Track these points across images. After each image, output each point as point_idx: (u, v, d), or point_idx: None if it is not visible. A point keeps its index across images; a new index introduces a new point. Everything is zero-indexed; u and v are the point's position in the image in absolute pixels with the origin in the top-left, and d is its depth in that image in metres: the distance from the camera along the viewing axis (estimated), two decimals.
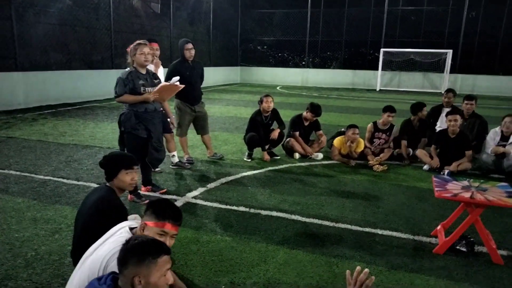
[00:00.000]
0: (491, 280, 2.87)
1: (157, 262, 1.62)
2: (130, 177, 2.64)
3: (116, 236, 2.05)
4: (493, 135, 5.67)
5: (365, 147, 6.09)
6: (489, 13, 19.74)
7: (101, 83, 13.02)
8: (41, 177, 4.88)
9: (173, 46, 16.89)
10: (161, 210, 2.10)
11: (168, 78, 5.00)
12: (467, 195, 3.13)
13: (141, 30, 15.66)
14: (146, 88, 4.02)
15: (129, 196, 4.16)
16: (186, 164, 5.53)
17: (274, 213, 3.96)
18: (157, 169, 5.19)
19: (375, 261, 3.07)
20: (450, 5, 20.19)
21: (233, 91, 17.80)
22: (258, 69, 23.60)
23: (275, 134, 6.01)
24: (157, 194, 4.37)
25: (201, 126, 5.80)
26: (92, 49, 13.52)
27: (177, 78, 4.40)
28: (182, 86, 4.42)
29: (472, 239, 3.28)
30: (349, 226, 3.71)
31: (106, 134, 7.55)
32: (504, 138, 5.55)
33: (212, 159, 5.95)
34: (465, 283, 2.82)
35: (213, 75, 19.38)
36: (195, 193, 4.50)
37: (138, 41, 4.02)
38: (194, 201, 4.27)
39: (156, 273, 1.62)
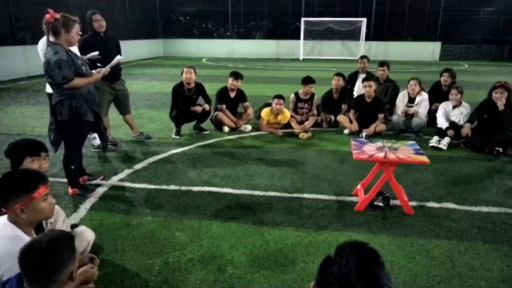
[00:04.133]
0: (404, 229, 3.21)
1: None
2: (37, 164, 2.42)
3: None
4: (401, 98, 6.19)
5: (291, 116, 6.29)
6: None
7: (3, 61, 11.59)
8: None
9: (84, 17, 15.47)
10: (23, 183, 1.91)
11: (81, 53, 4.57)
12: (381, 155, 3.41)
13: (48, 0, 14.04)
14: (85, 68, 3.63)
15: (70, 190, 3.79)
16: (110, 146, 5.24)
17: (206, 188, 3.96)
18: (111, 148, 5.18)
19: (303, 224, 3.25)
20: None
21: (156, 65, 17.03)
22: (181, 41, 22.77)
23: (196, 108, 5.90)
24: (98, 181, 4.11)
25: (122, 105, 5.49)
26: None
27: (96, 53, 4.11)
28: (122, 57, 4.33)
29: (387, 195, 3.61)
30: (278, 194, 3.86)
31: (15, 120, 6.82)
32: (411, 100, 6.09)
33: (138, 139, 5.71)
34: (383, 234, 3.11)
35: (133, 49, 18.31)
36: (121, 175, 4.31)
37: (70, 16, 3.49)
38: (120, 184, 4.09)
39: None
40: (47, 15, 3.56)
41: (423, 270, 2.64)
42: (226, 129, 6.20)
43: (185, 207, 3.54)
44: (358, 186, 3.82)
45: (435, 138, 5.50)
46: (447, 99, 5.75)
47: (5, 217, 1.89)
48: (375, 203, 3.57)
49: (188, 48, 22.49)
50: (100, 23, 4.95)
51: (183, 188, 3.97)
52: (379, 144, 3.74)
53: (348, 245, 1.11)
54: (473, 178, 4.37)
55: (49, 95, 4.43)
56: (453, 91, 5.58)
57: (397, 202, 3.59)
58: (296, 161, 4.87)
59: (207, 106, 5.98)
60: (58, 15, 3.46)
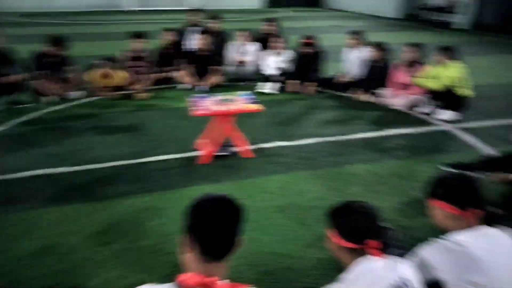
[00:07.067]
0: (246, 172, 3.53)
1: None
2: None
3: None
4: (232, 49, 6.48)
5: (126, 76, 5.90)
6: None
7: None
8: None
9: None
10: None
11: None
12: (219, 108, 3.59)
13: None
14: None
15: None
16: None
17: (37, 172, 3.50)
18: None
19: (153, 188, 3.24)
20: None
21: None
22: None
23: (4, 79, 4.98)
24: None
25: None
26: None
27: None
28: None
29: (230, 143, 3.86)
30: (121, 162, 3.70)
31: None
32: (242, 50, 6.42)
33: None
34: (228, 181, 3.37)
35: None
36: None
37: None
38: None
39: None
40: None
41: (264, 204, 3.01)
42: (45, 99, 5.40)
43: (14, 198, 3.08)
44: (201, 140, 3.96)
45: (265, 84, 6.02)
46: (272, 47, 6.25)
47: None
48: (219, 153, 3.79)
49: None
50: None
51: (7, 176, 3.42)
52: (217, 97, 3.90)
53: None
54: (296, 116, 5.03)
55: None
56: (273, 39, 6.10)
57: (239, 148, 3.88)
58: (137, 124, 4.69)
59: (19, 76, 5.08)
60: None
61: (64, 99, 5.53)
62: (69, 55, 5.79)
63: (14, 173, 3.47)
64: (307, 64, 5.97)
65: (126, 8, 19.03)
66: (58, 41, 5.57)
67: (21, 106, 5.26)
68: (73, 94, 5.65)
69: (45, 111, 5.13)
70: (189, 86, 6.10)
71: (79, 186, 3.29)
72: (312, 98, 5.75)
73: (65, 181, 3.36)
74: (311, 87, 5.89)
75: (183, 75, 6.17)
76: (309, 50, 5.92)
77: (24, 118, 4.86)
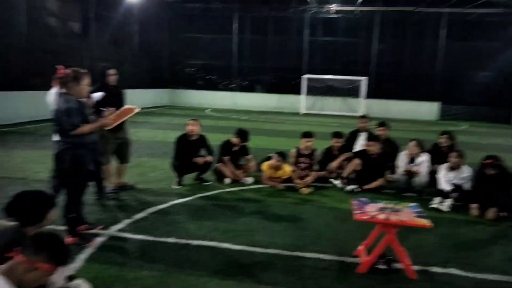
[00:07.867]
0: None
1: None
2: (54, 213, 2.44)
3: None
4: (402, 158, 6.28)
5: (293, 170, 6.34)
6: (395, 46, 22.23)
7: (12, 105, 11.88)
8: None
9: (95, 67, 16.11)
10: (62, 256, 2.00)
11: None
12: (382, 216, 3.41)
13: (59, 50, 14.67)
14: (91, 117, 3.79)
15: (68, 238, 3.65)
16: (111, 193, 5.23)
17: (205, 243, 3.90)
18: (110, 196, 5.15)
19: (305, 286, 3.16)
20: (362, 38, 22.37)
21: (161, 114, 17.39)
22: (187, 92, 23.45)
23: (198, 159, 5.98)
24: (97, 231, 4.04)
25: (123, 153, 5.54)
26: (1, 69, 12.32)
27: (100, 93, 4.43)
28: (139, 109, 4.60)
29: (390, 257, 3.54)
30: (278, 251, 3.79)
31: (18, 163, 6.86)
32: (411, 160, 6.16)
33: (133, 189, 5.69)
34: None
35: (139, 97, 18.77)
36: (120, 225, 4.26)
37: (79, 70, 3.69)
38: (119, 234, 4.04)
39: None
40: (59, 71, 3.80)
41: None
42: (226, 181, 6.22)
43: (183, 262, 3.47)
44: (360, 247, 3.76)
45: (437, 199, 5.50)
46: (446, 160, 5.81)
47: None
48: (377, 266, 3.50)
49: (193, 99, 23.09)
50: (114, 78, 5.18)
51: (182, 241, 3.92)
52: (381, 204, 3.74)
53: None
54: (477, 242, 4.32)
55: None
56: (452, 154, 5.67)
57: (399, 265, 3.51)
58: (296, 217, 4.84)
59: (209, 158, 6.05)
60: (68, 71, 3.67)
61: (238, 183, 6.23)
62: (248, 146, 6.64)
63: (187, 240, 3.95)
64: (491, 186, 5.24)
65: (302, 111, 21.10)
66: (241, 133, 6.49)
67: (205, 183, 6.16)
68: (246, 179, 6.33)
69: (222, 190, 5.86)
70: (349, 188, 6.07)
71: (239, 265, 3.49)
72: (495, 225, 4.90)
73: (227, 256, 3.63)
74: (495, 213, 5.06)
75: (347, 175, 6.22)
76: (492, 170, 5.24)
77: (205, 193, 5.64)
